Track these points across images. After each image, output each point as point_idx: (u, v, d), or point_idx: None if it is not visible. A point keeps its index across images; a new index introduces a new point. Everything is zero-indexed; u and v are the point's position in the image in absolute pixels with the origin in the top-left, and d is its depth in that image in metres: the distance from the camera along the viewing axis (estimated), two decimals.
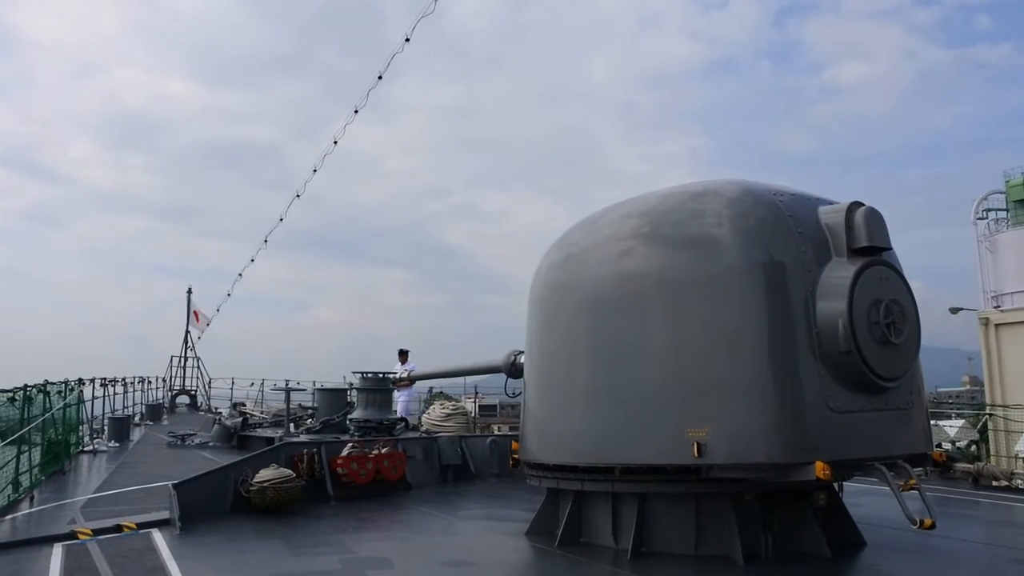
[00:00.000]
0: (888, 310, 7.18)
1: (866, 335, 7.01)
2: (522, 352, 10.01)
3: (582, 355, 8.04)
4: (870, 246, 7.33)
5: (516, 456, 9.12)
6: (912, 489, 6.89)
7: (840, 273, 7.16)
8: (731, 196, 7.60)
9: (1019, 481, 14.30)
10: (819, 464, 6.57)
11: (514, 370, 11.26)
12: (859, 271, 7.13)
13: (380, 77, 19.13)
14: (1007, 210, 42.06)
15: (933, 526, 6.66)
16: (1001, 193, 42.42)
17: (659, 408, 7.28)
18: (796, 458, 6.77)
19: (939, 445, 14.27)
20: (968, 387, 70.99)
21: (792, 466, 6.79)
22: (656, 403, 7.31)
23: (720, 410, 6.98)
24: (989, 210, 42.67)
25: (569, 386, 8.16)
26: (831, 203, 7.74)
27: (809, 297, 7.08)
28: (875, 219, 7.42)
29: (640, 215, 8.01)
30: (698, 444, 6.90)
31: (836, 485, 8.06)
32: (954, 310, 40.54)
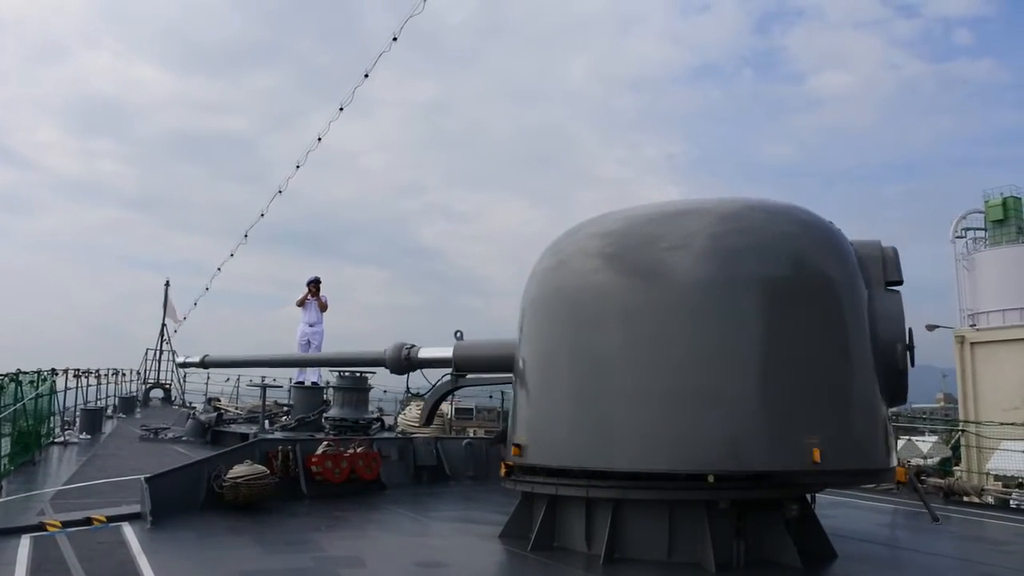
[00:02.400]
0: (911, 336, 7.90)
1: (905, 358, 7.79)
2: (413, 345, 10.44)
3: (576, 360, 8.01)
4: (898, 280, 8.04)
5: (510, 463, 8.69)
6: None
7: (891, 301, 7.91)
8: (796, 216, 8.07)
9: (989, 497, 14.45)
10: (900, 469, 7.66)
11: (404, 365, 11.23)
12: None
13: (367, 75, 19.10)
14: (985, 229, 42.53)
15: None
16: (980, 212, 42.88)
17: (666, 412, 7.36)
18: (890, 463, 7.73)
19: (906, 463, 14.48)
20: (942, 404, 71.66)
21: (887, 471, 7.76)
22: (668, 407, 7.37)
23: (830, 417, 7.37)
24: (968, 229, 43.13)
25: (552, 390, 8.20)
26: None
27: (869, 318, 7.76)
28: (898, 257, 8.16)
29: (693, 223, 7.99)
30: (818, 450, 7.06)
31: (808, 496, 8.16)
32: (931, 327, 40.97)
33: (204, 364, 16.10)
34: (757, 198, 8.49)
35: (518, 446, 8.34)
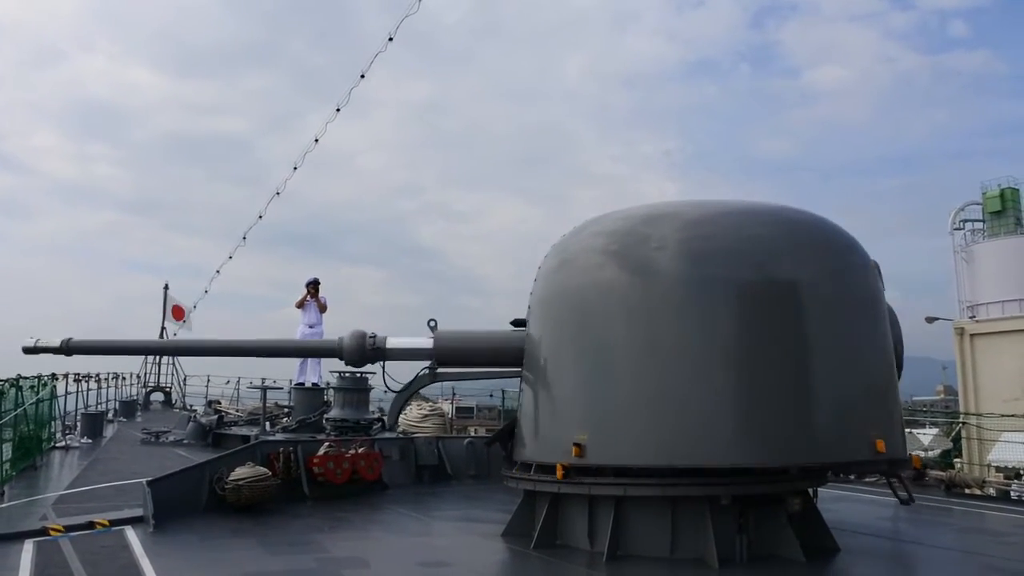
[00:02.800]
0: None
1: (902, 356, 8.52)
2: (376, 335, 10.11)
3: (578, 358, 8.06)
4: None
5: (566, 464, 7.80)
6: None
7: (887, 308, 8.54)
8: (819, 224, 8.41)
9: (990, 488, 14.47)
10: (915, 457, 8.49)
11: (368, 355, 10.25)
12: None
13: (363, 76, 19.08)
14: (983, 221, 42.50)
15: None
16: (977, 204, 42.86)
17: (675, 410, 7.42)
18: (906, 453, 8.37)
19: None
20: (942, 396, 71.68)
21: (907, 460, 8.47)
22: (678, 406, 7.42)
23: (884, 412, 7.91)
24: (966, 221, 43.09)
25: (556, 388, 8.23)
26: None
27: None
28: (879, 269, 8.58)
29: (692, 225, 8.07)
30: (882, 442, 7.47)
31: (811, 491, 8.17)
32: (930, 319, 40.95)
33: (68, 350, 12.29)
34: (788, 205, 8.81)
35: (578, 445, 7.66)
